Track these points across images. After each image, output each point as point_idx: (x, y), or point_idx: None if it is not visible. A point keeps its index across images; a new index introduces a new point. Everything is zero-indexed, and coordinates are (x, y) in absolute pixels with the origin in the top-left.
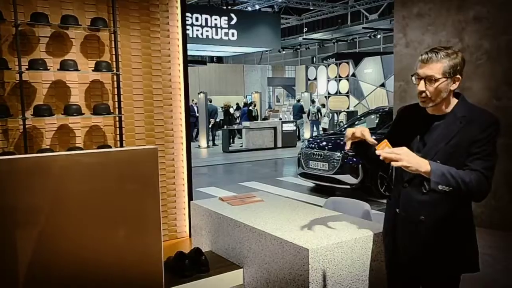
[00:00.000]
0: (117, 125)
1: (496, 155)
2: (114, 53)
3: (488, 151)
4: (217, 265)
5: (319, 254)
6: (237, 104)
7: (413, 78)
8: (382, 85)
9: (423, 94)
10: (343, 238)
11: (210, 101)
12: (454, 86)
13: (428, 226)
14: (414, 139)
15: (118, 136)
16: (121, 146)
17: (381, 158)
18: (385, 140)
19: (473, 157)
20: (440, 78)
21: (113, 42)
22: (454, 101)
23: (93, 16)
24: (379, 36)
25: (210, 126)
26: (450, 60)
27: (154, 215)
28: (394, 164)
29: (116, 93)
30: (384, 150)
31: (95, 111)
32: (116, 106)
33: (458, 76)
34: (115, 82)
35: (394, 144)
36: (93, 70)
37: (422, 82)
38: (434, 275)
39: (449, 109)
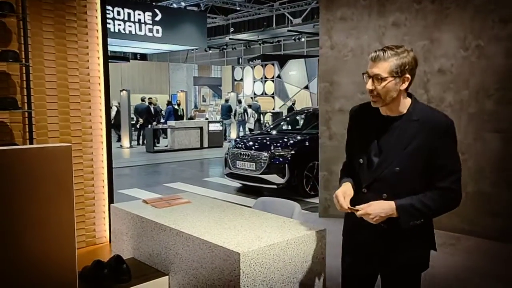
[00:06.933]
0: (27, 122)
1: (459, 156)
2: (23, 42)
3: (453, 159)
4: (139, 273)
5: (251, 257)
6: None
7: (364, 76)
8: (306, 87)
9: (374, 93)
10: (275, 240)
11: (143, 100)
12: (403, 86)
13: (390, 231)
14: (371, 143)
15: (27, 133)
16: (31, 144)
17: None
18: None
19: (439, 173)
20: (387, 77)
21: (22, 30)
22: (407, 102)
23: None
24: (303, 40)
25: (138, 126)
26: (398, 59)
27: (67, 219)
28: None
29: (25, 86)
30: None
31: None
32: (26, 100)
33: (408, 75)
34: (24, 74)
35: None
36: None
37: (370, 80)
38: (395, 277)
39: (403, 110)
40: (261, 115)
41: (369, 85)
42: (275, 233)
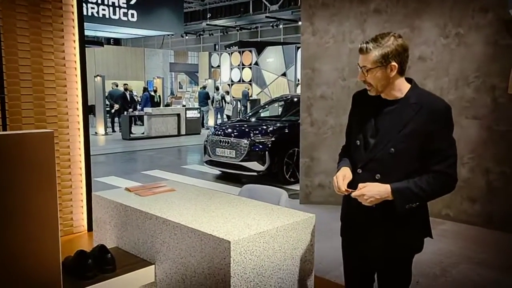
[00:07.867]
0: None
1: (455, 141)
2: None
3: (449, 144)
4: (124, 263)
5: (241, 245)
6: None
7: (358, 67)
8: (284, 74)
9: (366, 82)
10: (265, 228)
11: (117, 86)
12: (392, 73)
13: (383, 212)
14: (368, 124)
15: (0, 120)
16: (4, 131)
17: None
18: None
19: (435, 158)
20: (372, 68)
21: None
22: (406, 87)
23: None
24: (280, 26)
25: (112, 111)
26: (379, 50)
27: (50, 209)
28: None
29: None
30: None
31: None
32: None
33: (393, 63)
34: None
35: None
36: None
37: (361, 71)
38: (389, 259)
39: (401, 95)
40: (248, 102)
41: (360, 76)
42: (264, 221)
